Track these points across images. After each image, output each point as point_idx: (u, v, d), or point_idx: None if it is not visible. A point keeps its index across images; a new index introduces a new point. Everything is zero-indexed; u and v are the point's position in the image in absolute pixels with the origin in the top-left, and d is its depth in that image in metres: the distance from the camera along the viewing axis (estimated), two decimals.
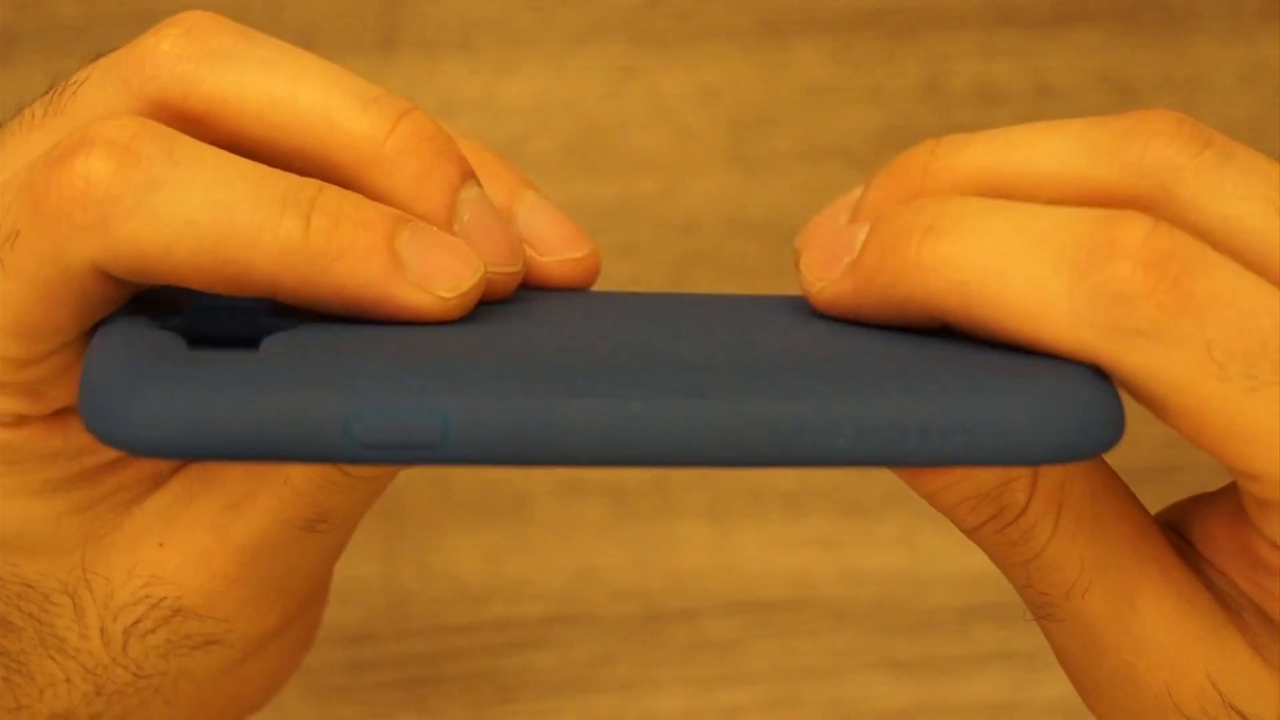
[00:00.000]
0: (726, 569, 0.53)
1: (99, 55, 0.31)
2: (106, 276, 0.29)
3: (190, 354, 0.27)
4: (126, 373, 0.27)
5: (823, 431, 0.26)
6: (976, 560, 0.53)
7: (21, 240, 0.29)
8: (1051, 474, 0.29)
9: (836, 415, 0.26)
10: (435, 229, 0.30)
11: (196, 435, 0.26)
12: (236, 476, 0.32)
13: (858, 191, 0.31)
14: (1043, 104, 0.55)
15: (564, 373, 0.27)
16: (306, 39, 0.53)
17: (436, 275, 0.29)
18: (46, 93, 0.32)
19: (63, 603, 0.32)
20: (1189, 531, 0.31)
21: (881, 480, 0.54)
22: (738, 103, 0.54)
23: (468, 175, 0.31)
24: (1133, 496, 0.31)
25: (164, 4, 0.53)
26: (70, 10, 0.53)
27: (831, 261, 0.30)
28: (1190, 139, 0.29)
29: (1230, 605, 0.30)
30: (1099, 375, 0.27)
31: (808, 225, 0.32)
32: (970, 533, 0.30)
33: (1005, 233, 0.28)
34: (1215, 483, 0.47)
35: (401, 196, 0.30)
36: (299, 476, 0.31)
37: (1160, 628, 0.30)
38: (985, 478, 0.29)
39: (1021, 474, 0.29)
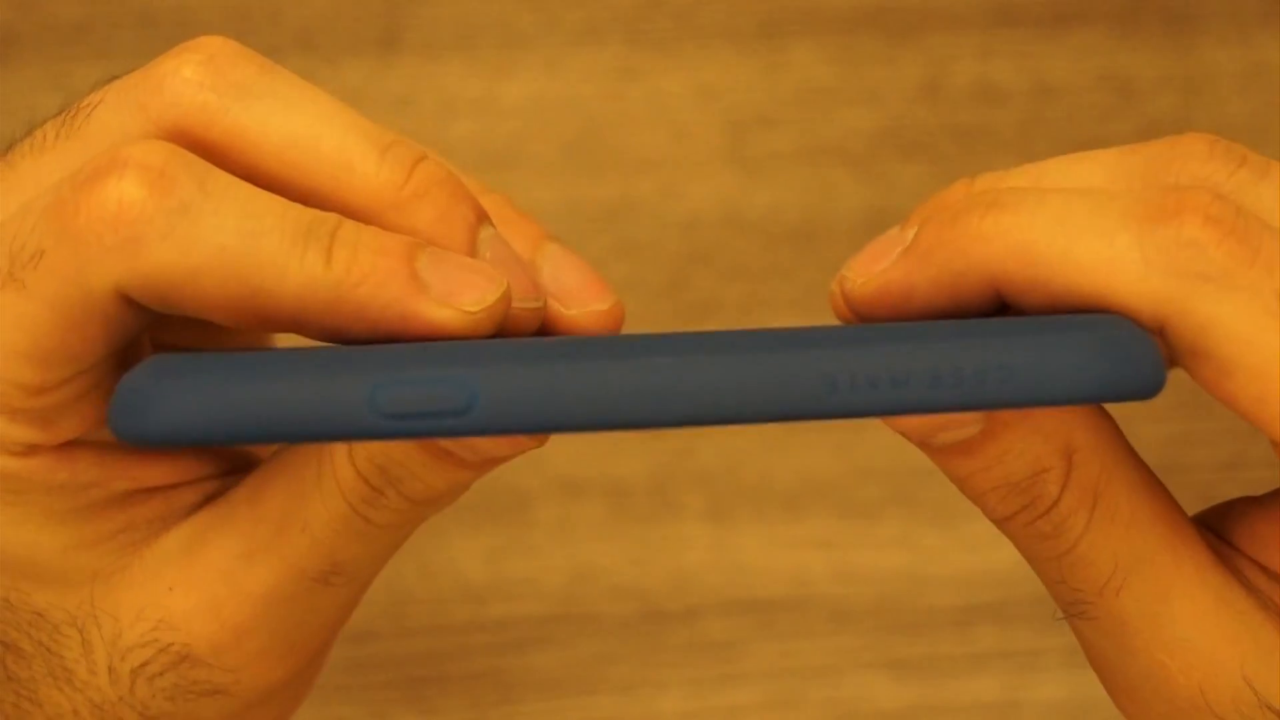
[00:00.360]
0: (726, 569, 0.53)
1: (113, 77, 0.31)
2: (128, 302, 0.29)
3: (213, 356, 0.28)
4: (153, 369, 0.27)
5: (858, 378, 0.26)
6: (976, 560, 0.53)
7: (46, 260, 0.29)
8: (1086, 467, 0.29)
9: (870, 363, 0.26)
10: (453, 253, 0.30)
11: (224, 414, 0.26)
12: (252, 524, 0.31)
13: (896, 230, 0.31)
14: (1043, 104, 0.55)
15: (590, 344, 0.27)
16: (307, 39, 0.53)
17: (460, 291, 0.29)
18: (58, 114, 0.31)
19: (71, 635, 0.32)
20: (1231, 532, 0.31)
21: (881, 480, 0.54)
22: (737, 103, 0.54)
23: (484, 217, 0.31)
24: (1169, 495, 0.30)
25: (163, 4, 0.53)
26: (70, 10, 0.53)
27: (880, 258, 0.30)
28: (1225, 158, 0.29)
29: (1269, 606, 0.30)
30: (1139, 329, 0.27)
31: (852, 259, 0.32)
32: (1001, 523, 0.30)
33: (1071, 200, 0.28)
34: (1216, 482, 0.47)
35: (421, 237, 0.30)
36: (318, 523, 0.31)
37: (1194, 628, 0.29)
38: (1016, 465, 0.29)
39: (1054, 465, 0.29)
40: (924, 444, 0.30)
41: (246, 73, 0.30)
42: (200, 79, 0.30)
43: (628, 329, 0.54)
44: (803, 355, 0.26)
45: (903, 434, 0.29)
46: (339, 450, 0.30)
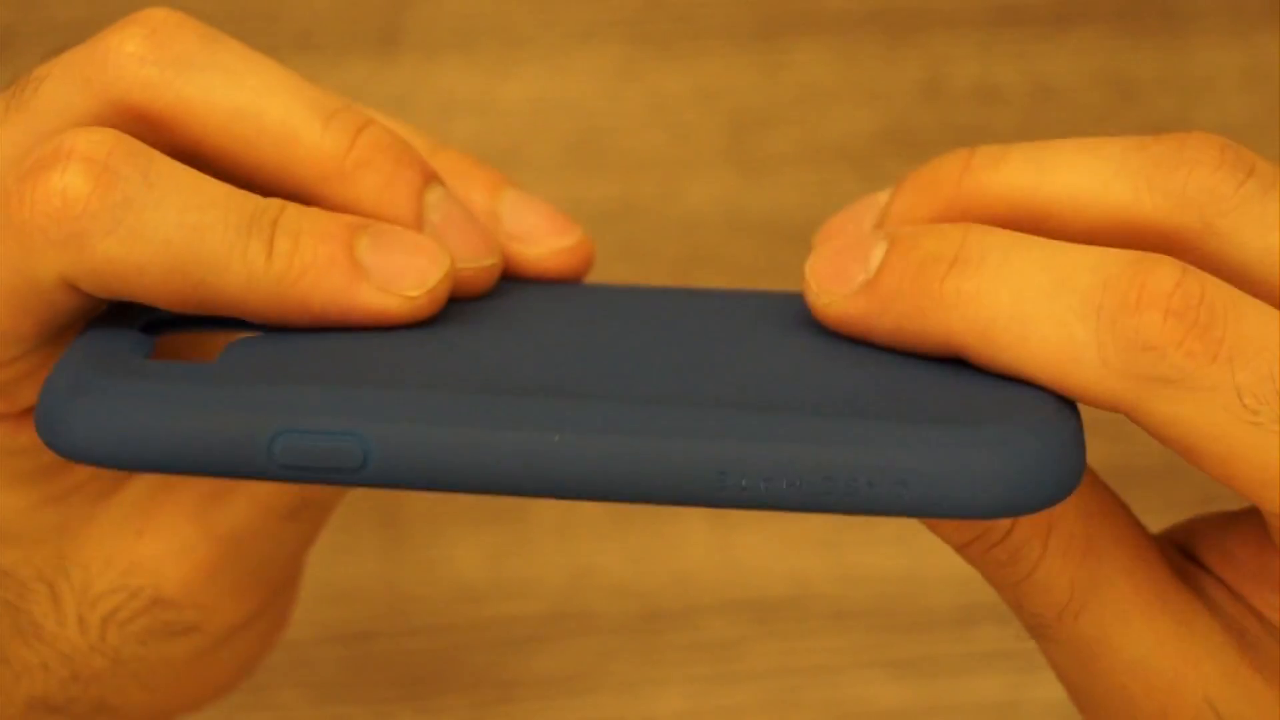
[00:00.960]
0: (726, 569, 0.53)
1: (60, 50, 0.31)
2: (75, 290, 0.29)
3: (142, 366, 0.28)
4: (72, 383, 0.28)
5: (745, 476, 0.26)
6: None
7: None
8: None
9: (761, 460, 0.26)
10: (397, 229, 0.30)
11: (129, 448, 0.27)
12: None
13: (884, 195, 0.31)
14: (1043, 104, 0.55)
15: (490, 402, 0.27)
16: (306, 39, 0.53)
17: (400, 276, 0.29)
18: (8, 86, 0.31)
19: (39, 590, 0.32)
20: (1199, 548, 0.31)
21: None
22: (737, 103, 0.54)
23: (430, 178, 0.31)
24: (1129, 516, 0.30)
25: (162, 4, 0.53)
26: (70, 10, 0.53)
27: (842, 276, 0.29)
28: (1234, 167, 0.28)
29: (1233, 626, 0.30)
30: (1067, 415, 0.27)
31: (828, 222, 0.32)
32: (958, 550, 0.30)
33: (1033, 271, 0.27)
34: (1215, 485, 0.47)
35: (367, 207, 0.31)
36: None
37: (1155, 650, 0.29)
38: None
39: None
40: None
41: (189, 44, 0.30)
42: (143, 53, 0.30)
43: None
44: (698, 445, 0.26)
45: None
46: None
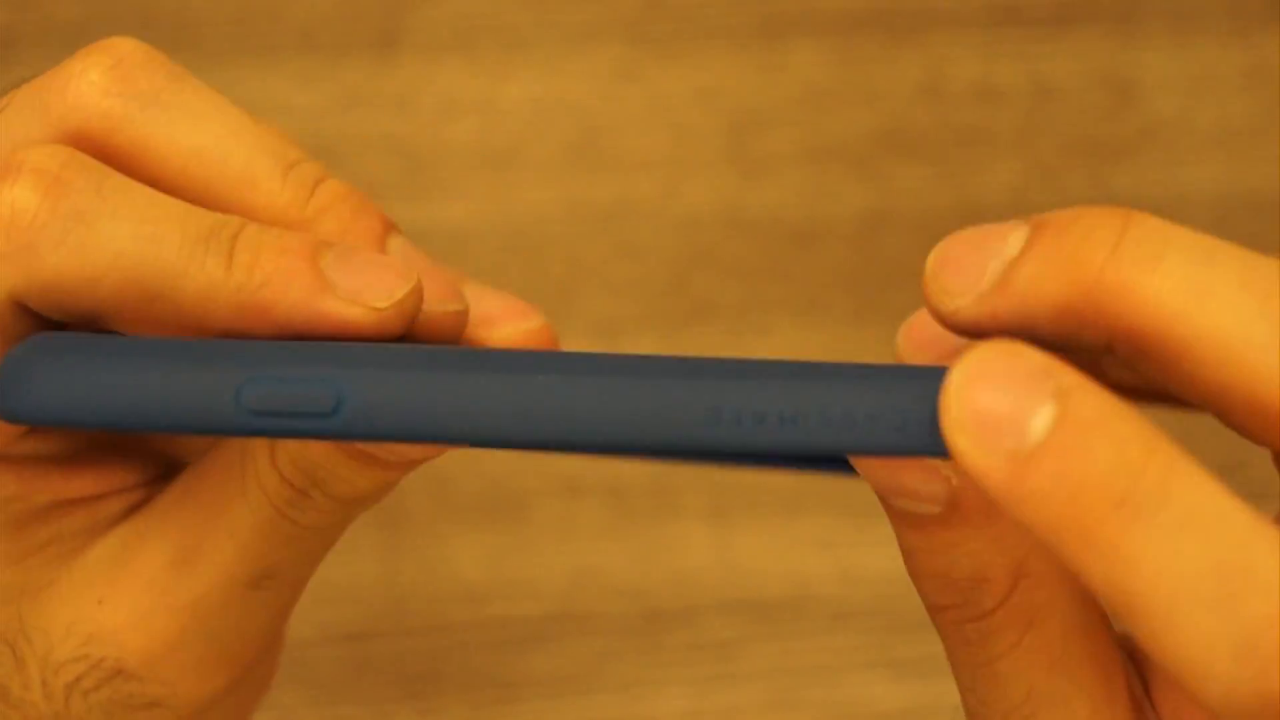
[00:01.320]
0: (726, 569, 0.53)
1: (23, 80, 0.30)
2: (24, 310, 0.28)
3: (103, 336, 0.27)
4: (30, 347, 0.27)
5: (739, 412, 0.25)
6: None
7: None
8: (1030, 593, 0.27)
9: (756, 395, 0.25)
10: (360, 249, 0.29)
11: (94, 400, 0.26)
12: (178, 532, 0.31)
13: (1016, 240, 0.26)
14: (1043, 104, 0.55)
15: (471, 355, 0.26)
16: (307, 39, 0.53)
17: (367, 288, 0.28)
18: None
19: (4, 651, 0.31)
20: (1152, 691, 0.29)
21: None
22: (737, 104, 0.54)
23: (390, 227, 0.31)
24: (1110, 640, 0.29)
25: (163, 4, 0.53)
26: (70, 10, 0.53)
27: (993, 428, 0.24)
28: None
29: None
30: None
31: (946, 245, 0.27)
32: (931, 612, 0.28)
33: (1203, 560, 0.23)
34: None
35: None
36: (245, 527, 0.30)
37: None
38: (961, 563, 0.27)
39: (998, 580, 0.27)
40: (881, 498, 0.28)
41: (154, 80, 0.30)
42: (106, 84, 0.29)
43: (629, 328, 0.54)
44: (690, 383, 0.25)
45: (867, 480, 0.28)
46: (261, 453, 0.30)
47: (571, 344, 0.51)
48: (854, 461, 0.27)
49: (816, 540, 0.53)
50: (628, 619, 0.52)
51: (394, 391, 0.25)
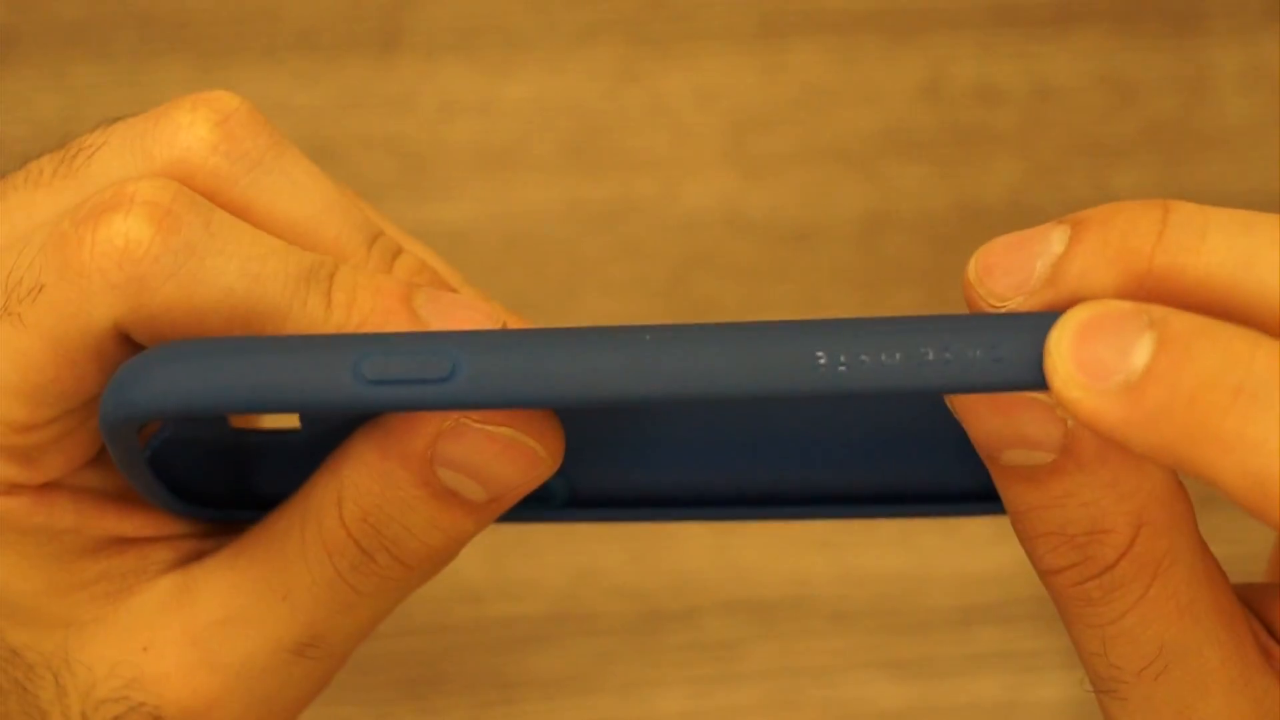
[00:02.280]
0: (726, 569, 0.53)
1: (115, 119, 0.31)
2: (125, 340, 0.29)
3: (209, 338, 0.28)
4: (150, 352, 0.27)
5: (844, 355, 0.25)
6: (976, 561, 0.53)
7: (46, 294, 0.28)
8: (1153, 541, 0.28)
9: (857, 341, 0.26)
10: (448, 293, 0.30)
11: (212, 380, 0.26)
12: (231, 590, 0.31)
13: (1059, 237, 0.27)
14: (1043, 104, 0.55)
15: (573, 330, 0.26)
16: (307, 39, 0.53)
17: (459, 327, 0.29)
18: (58, 148, 0.31)
19: (46, 678, 0.32)
20: (1269, 614, 0.30)
21: None
22: (737, 104, 0.54)
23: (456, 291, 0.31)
24: (1228, 586, 0.29)
25: (164, 4, 0.53)
26: (70, 10, 0.53)
27: (1096, 368, 0.25)
28: None
29: None
30: None
31: (989, 247, 0.27)
32: (1047, 576, 0.28)
33: None
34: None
35: None
36: (300, 589, 0.30)
37: None
38: (1078, 515, 0.27)
39: (1119, 529, 0.27)
40: (990, 459, 0.28)
41: (259, 144, 0.30)
42: (214, 141, 0.30)
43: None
44: (791, 332, 0.26)
45: (974, 442, 0.28)
46: (329, 510, 0.30)
47: None
48: (967, 418, 0.28)
49: (817, 540, 0.53)
50: (628, 619, 0.52)
51: (509, 352, 0.26)
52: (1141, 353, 0.25)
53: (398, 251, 0.31)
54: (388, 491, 0.29)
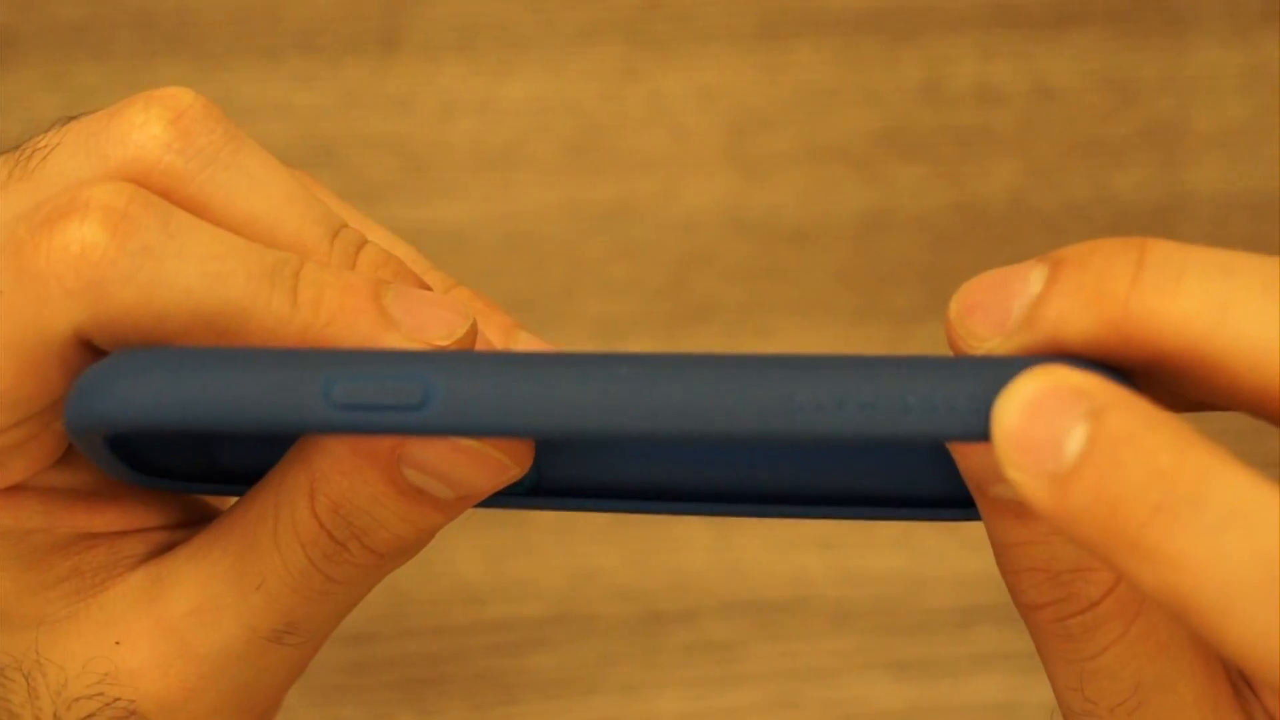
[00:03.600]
0: (726, 569, 0.53)
1: (70, 118, 0.30)
2: (86, 346, 0.28)
3: (178, 347, 0.27)
4: (114, 359, 0.27)
5: (823, 398, 0.25)
6: (976, 561, 0.53)
7: (2, 302, 0.28)
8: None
9: (837, 385, 0.25)
10: (417, 290, 0.29)
11: (181, 397, 0.26)
12: (204, 580, 0.31)
13: (1037, 278, 0.26)
14: (1043, 104, 0.55)
15: (550, 355, 0.26)
16: (307, 39, 0.53)
17: (429, 326, 0.28)
18: (11, 151, 0.30)
19: (16, 680, 0.31)
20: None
21: None
22: (737, 104, 0.54)
23: (426, 287, 0.31)
24: None
25: (164, 4, 0.53)
26: (70, 10, 0.53)
27: (1034, 454, 0.25)
28: None
29: None
30: None
31: (969, 286, 0.27)
32: (1027, 610, 0.28)
33: (1247, 553, 0.23)
34: None
35: None
36: (274, 579, 0.30)
37: None
38: (1063, 552, 0.27)
39: (1102, 566, 0.27)
40: (978, 491, 0.28)
41: (214, 139, 0.30)
42: (169, 139, 0.29)
43: (628, 328, 0.54)
44: (769, 372, 0.25)
45: (962, 473, 0.28)
46: (300, 501, 0.30)
47: (571, 344, 0.51)
48: (955, 450, 0.27)
49: (817, 541, 0.53)
50: (628, 620, 0.52)
51: (482, 382, 0.25)
52: (1073, 446, 0.24)
53: (362, 244, 0.31)
54: (357, 486, 0.29)
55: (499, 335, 0.32)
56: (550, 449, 0.31)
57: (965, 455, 0.28)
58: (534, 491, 0.32)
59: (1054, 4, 0.55)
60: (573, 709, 0.52)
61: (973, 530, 0.53)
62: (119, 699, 0.31)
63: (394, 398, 0.26)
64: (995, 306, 0.26)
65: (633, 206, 0.54)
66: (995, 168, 0.55)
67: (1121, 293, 0.25)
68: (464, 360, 0.26)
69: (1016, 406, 0.25)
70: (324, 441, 0.29)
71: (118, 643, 0.31)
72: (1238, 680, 0.29)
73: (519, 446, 0.29)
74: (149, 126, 0.29)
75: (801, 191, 0.54)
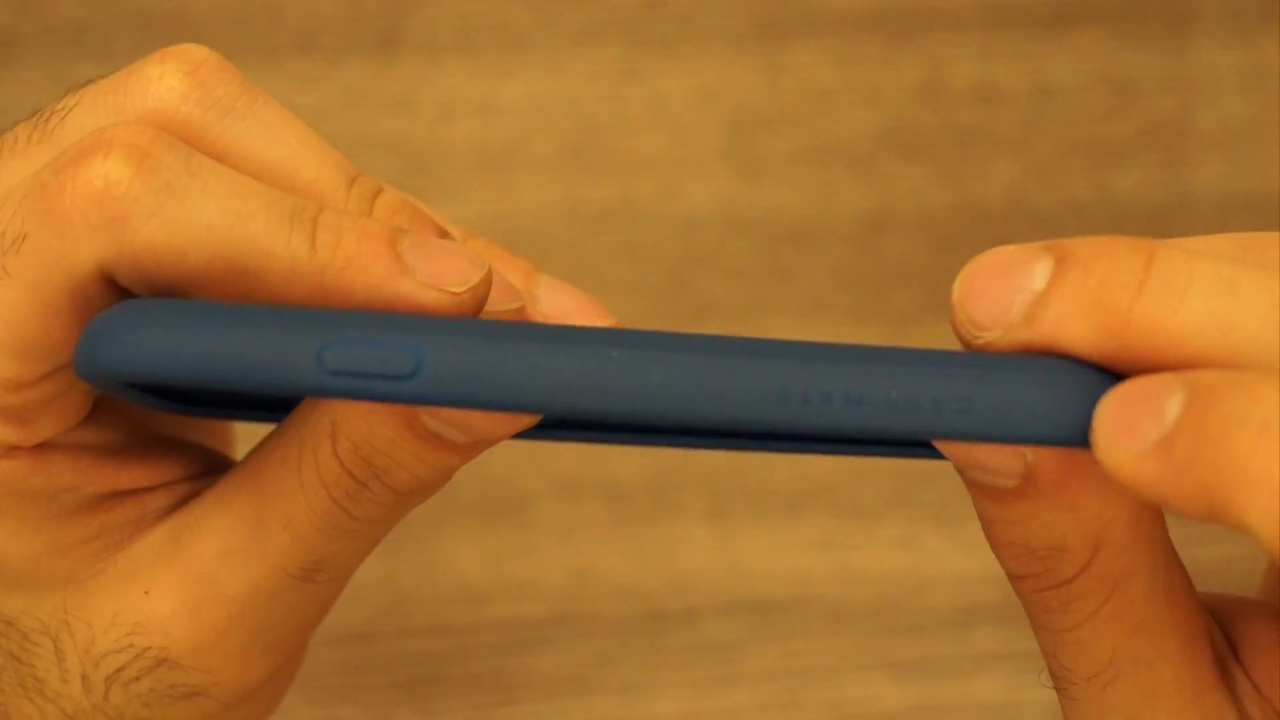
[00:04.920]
0: (726, 569, 0.53)
1: (87, 82, 0.31)
2: (111, 284, 0.29)
3: (185, 300, 0.28)
4: (118, 309, 0.27)
5: (811, 392, 0.25)
6: (976, 561, 0.53)
7: (29, 243, 0.28)
8: (1110, 563, 0.28)
9: (827, 379, 0.26)
10: (434, 238, 0.30)
11: (178, 355, 0.26)
12: (230, 524, 0.31)
13: (1040, 274, 0.26)
14: (1043, 104, 0.55)
15: (546, 328, 0.26)
16: (307, 39, 0.53)
17: (444, 274, 0.29)
18: (31, 117, 0.31)
19: (43, 644, 0.32)
20: (1237, 637, 0.30)
21: (881, 481, 0.53)
22: (737, 104, 0.54)
23: (444, 232, 0.31)
24: (1193, 600, 0.29)
25: (164, 4, 0.53)
26: (70, 10, 0.53)
27: (1134, 431, 0.25)
28: None
29: None
30: (1103, 378, 0.26)
31: (971, 266, 0.27)
32: (1012, 579, 0.29)
33: None
34: None
35: None
36: (301, 520, 0.30)
37: None
38: (1038, 533, 0.28)
39: (1076, 549, 0.28)
40: (960, 471, 0.28)
41: (230, 90, 0.30)
42: (186, 90, 0.30)
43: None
44: (759, 362, 0.26)
45: (947, 455, 0.28)
46: (322, 443, 0.30)
47: None
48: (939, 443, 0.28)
49: (817, 541, 0.53)
50: (628, 620, 0.52)
51: (472, 357, 0.26)
52: (1173, 409, 0.25)
53: (379, 190, 0.31)
54: (376, 429, 0.29)
55: (520, 279, 0.33)
56: None
57: (942, 445, 0.28)
58: (554, 425, 0.32)
59: (1054, 4, 0.55)
60: (573, 709, 0.52)
61: (973, 530, 0.53)
62: (149, 648, 0.31)
63: (385, 367, 0.26)
64: (998, 297, 0.27)
65: (633, 206, 0.54)
66: (995, 168, 0.55)
67: (1124, 303, 0.26)
68: (458, 331, 0.26)
69: (1117, 398, 0.25)
70: None
71: (146, 592, 0.31)
72: (1227, 658, 0.30)
73: None
74: (166, 79, 0.30)
75: (801, 191, 0.54)
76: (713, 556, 0.53)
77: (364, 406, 0.29)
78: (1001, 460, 0.27)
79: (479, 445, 0.30)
